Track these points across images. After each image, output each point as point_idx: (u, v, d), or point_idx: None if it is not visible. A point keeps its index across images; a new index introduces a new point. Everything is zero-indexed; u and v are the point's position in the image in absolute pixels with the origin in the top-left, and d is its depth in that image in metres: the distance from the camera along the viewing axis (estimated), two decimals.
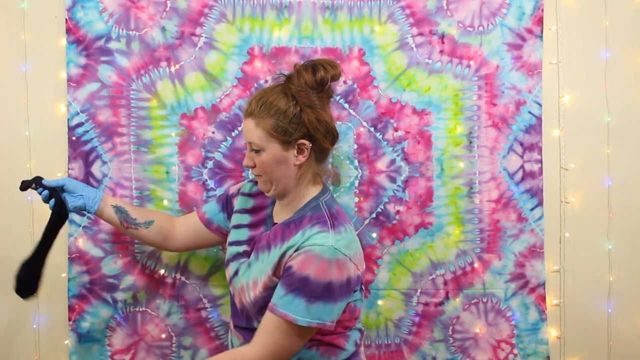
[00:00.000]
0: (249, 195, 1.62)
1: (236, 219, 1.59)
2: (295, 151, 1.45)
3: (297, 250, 1.38)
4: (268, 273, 1.43)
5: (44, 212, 1.89)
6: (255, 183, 1.63)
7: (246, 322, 1.51)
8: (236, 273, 1.53)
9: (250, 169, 1.52)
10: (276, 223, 1.51)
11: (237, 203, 1.62)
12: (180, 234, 1.67)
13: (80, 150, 1.85)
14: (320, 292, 1.35)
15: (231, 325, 1.61)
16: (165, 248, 1.69)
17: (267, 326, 1.38)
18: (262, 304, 1.43)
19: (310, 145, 1.45)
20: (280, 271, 1.41)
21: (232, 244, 1.57)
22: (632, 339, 1.97)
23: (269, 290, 1.42)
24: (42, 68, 1.89)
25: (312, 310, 1.35)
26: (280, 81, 1.51)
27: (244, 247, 1.54)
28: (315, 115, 1.44)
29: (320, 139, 1.46)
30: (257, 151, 1.44)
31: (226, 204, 1.67)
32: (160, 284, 1.88)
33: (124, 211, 1.60)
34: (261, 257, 1.47)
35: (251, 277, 1.47)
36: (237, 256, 1.54)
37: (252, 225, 1.56)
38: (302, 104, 1.43)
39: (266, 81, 1.86)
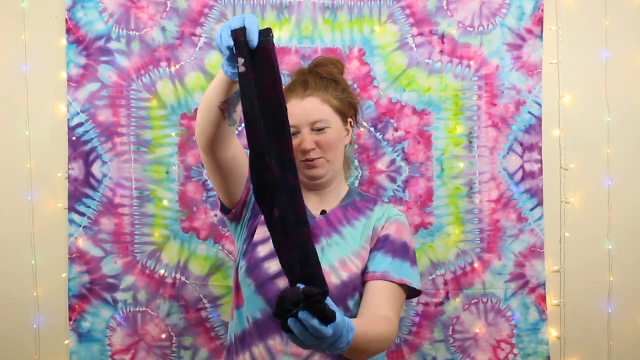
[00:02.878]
0: None
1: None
2: (346, 130, 1.47)
3: (387, 220, 1.43)
4: (364, 246, 1.40)
5: (44, 212, 1.90)
6: None
7: None
8: None
9: (309, 153, 1.40)
10: (324, 210, 1.45)
11: None
12: (230, 152, 1.33)
13: (80, 150, 1.85)
14: (414, 257, 1.42)
15: (273, 344, 1.35)
16: (210, 146, 1.30)
17: (388, 294, 1.33)
18: (357, 283, 1.37)
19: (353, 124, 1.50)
20: (373, 243, 1.41)
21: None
22: (632, 339, 1.97)
23: (364, 265, 1.39)
24: (42, 68, 1.89)
25: (414, 274, 1.39)
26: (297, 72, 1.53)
27: None
28: (357, 94, 1.49)
29: (356, 118, 1.52)
30: (321, 129, 1.40)
31: None
32: (160, 284, 1.88)
33: (238, 98, 1.21)
34: (335, 239, 1.40)
35: (335, 258, 1.38)
36: None
37: None
38: (346, 85, 1.49)
39: None
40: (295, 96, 1.41)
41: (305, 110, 1.40)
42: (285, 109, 1.05)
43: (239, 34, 1.02)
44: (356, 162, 1.88)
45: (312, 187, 1.45)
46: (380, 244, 1.40)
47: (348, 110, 1.47)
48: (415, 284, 1.39)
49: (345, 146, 1.49)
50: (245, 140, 1.10)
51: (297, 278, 1.02)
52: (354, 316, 1.36)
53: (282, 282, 1.36)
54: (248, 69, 1.03)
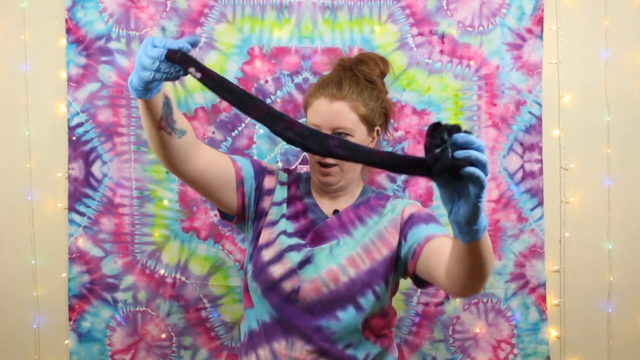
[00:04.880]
0: (285, 184, 1.47)
1: (278, 210, 1.43)
2: (371, 138, 1.43)
3: (403, 208, 1.41)
4: (372, 240, 1.37)
5: (44, 212, 1.90)
6: (289, 173, 1.49)
7: (324, 315, 1.34)
8: (308, 261, 1.36)
9: (325, 158, 1.37)
10: (337, 210, 1.43)
11: (276, 194, 1.44)
12: (200, 165, 1.31)
13: (80, 150, 1.85)
14: (441, 224, 1.38)
15: (278, 348, 1.36)
16: (175, 167, 1.30)
17: (445, 246, 1.21)
18: (367, 280, 1.34)
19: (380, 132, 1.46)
20: (397, 236, 1.38)
21: (286, 234, 1.40)
22: (632, 339, 1.97)
23: (375, 262, 1.35)
24: (42, 68, 1.89)
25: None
26: (339, 68, 1.48)
27: (300, 238, 1.40)
28: (392, 103, 1.46)
29: (386, 127, 1.49)
30: (344, 136, 1.35)
31: (259, 175, 1.43)
32: (160, 284, 1.88)
33: (170, 107, 1.23)
34: (345, 239, 1.38)
35: (343, 257, 1.35)
36: (298, 246, 1.38)
37: (292, 217, 1.42)
38: (383, 90, 1.46)
39: (266, 81, 1.86)
40: (326, 96, 1.37)
41: (330, 114, 1.36)
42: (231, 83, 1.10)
43: (174, 54, 1.08)
44: None
45: (325, 190, 1.43)
46: (409, 223, 1.36)
47: (377, 120, 1.43)
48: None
49: None
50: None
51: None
52: (368, 315, 1.34)
53: (289, 285, 1.35)
54: (202, 71, 1.08)
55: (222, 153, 1.41)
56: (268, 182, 1.44)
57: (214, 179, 1.34)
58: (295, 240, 1.38)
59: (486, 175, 0.90)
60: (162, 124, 1.21)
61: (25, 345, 1.91)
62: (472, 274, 1.09)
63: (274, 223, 1.41)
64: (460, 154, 0.88)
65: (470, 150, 0.88)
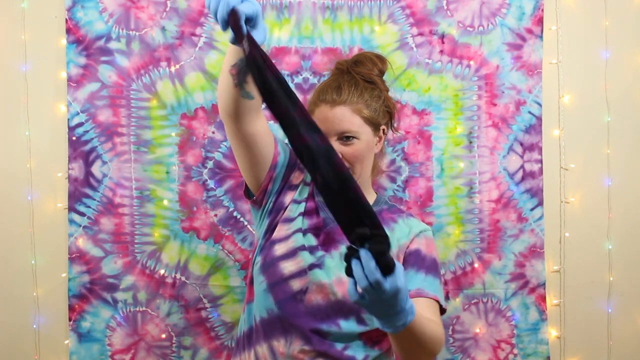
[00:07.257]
0: (308, 185, 1.47)
1: (297, 208, 1.43)
2: (377, 138, 1.45)
3: (415, 235, 1.40)
4: None
5: (44, 212, 1.90)
6: None
7: (325, 320, 1.34)
8: (318, 265, 1.36)
9: None
10: None
11: (299, 192, 1.45)
12: (250, 129, 1.32)
13: (80, 150, 1.85)
14: (441, 274, 1.39)
15: (276, 345, 1.36)
16: (227, 117, 1.31)
17: (428, 308, 1.30)
18: None
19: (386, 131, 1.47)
20: (401, 258, 1.38)
21: (301, 232, 1.40)
22: (632, 339, 1.97)
23: None
24: (42, 68, 1.89)
25: (442, 293, 1.37)
26: (336, 70, 1.51)
27: (314, 236, 1.40)
28: (394, 101, 1.47)
29: (391, 125, 1.50)
30: (349, 139, 1.38)
31: (291, 168, 1.45)
32: (160, 284, 1.88)
33: (245, 66, 1.22)
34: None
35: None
36: (311, 248, 1.38)
37: (307, 214, 1.43)
38: (384, 89, 1.47)
39: None
40: (326, 102, 1.39)
41: (334, 119, 1.38)
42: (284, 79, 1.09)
43: (236, 18, 1.06)
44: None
45: None
46: (413, 259, 1.37)
47: (381, 119, 1.44)
48: (444, 304, 1.37)
49: (376, 154, 1.48)
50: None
51: (356, 235, 1.00)
52: (369, 327, 1.35)
53: (297, 284, 1.35)
54: (252, 47, 1.05)
55: (272, 132, 1.41)
56: (295, 178, 1.45)
57: (256, 149, 1.35)
58: (309, 239, 1.39)
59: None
60: (232, 71, 1.23)
61: (25, 345, 1.91)
62: (407, 356, 1.22)
63: (291, 220, 1.41)
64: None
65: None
